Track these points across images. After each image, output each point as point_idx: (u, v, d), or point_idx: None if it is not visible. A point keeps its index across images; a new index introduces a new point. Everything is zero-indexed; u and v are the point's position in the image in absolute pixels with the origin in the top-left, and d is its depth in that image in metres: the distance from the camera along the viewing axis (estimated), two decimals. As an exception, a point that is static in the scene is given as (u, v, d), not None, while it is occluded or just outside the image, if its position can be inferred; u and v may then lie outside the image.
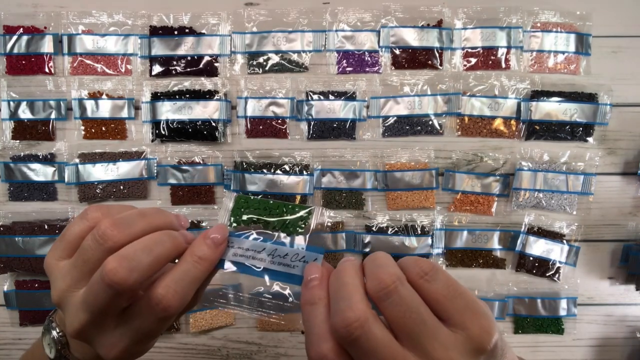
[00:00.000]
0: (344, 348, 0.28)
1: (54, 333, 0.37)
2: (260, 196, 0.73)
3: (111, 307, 0.31)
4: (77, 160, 0.74)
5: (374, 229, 0.75)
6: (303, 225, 0.36)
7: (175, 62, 0.74)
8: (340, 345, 0.28)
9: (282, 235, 0.36)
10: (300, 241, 0.36)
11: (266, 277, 0.35)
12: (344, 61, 0.74)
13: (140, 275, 0.30)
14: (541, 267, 0.74)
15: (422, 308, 0.28)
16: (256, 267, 0.35)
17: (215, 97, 0.73)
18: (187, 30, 0.74)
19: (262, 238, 0.36)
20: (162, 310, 0.31)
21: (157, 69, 0.74)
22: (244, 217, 0.37)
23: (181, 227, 0.36)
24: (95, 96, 0.74)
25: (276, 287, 0.37)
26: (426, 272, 0.29)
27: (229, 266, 0.35)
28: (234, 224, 0.37)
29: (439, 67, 0.74)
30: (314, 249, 0.35)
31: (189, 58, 0.74)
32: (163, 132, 0.73)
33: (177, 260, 0.34)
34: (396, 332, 0.28)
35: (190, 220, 0.74)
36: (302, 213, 0.37)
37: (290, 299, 0.37)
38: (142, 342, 0.34)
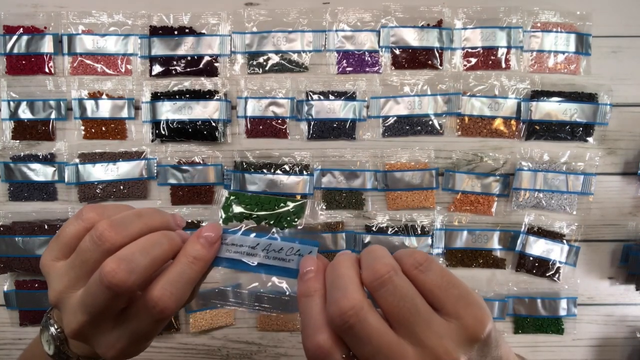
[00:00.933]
0: (340, 338, 0.28)
1: (52, 329, 0.37)
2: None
3: (109, 309, 0.31)
4: (77, 160, 0.74)
5: (374, 229, 0.75)
6: (296, 219, 0.36)
7: (175, 62, 0.74)
8: (336, 335, 0.28)
9: (276, 229, 0.36)
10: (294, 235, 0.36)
11: (262, 273, 0.35)
12: (344, 61, 0.74)
13: (139, 276, 0.30)
14: (541, 267, 0.74)
15: (416, 297, 0.28)
16: (251, 263, 0.35)
17: (215, 97, 0.73)
18: (187, 30, 0.74)
19: (255, 233, 0.36)
20: (159, 313, 0.31)
21: (157, 69, 0.74)
22: (236, 213, 0.37)
23: (177, 227, 0.36)
24: (95, 96, 0.74)
25: (272, 282, 0.37)
26: (420, 262, 0.30)
27: (223, 263, 0.35)
28: (226, 220, 0.37)
29: (439, 67, 0.74)
30: (309, 242, 0.35)
31: (189, 58, 0.74)
32: (163, 132, 0.73)
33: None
34: (391, 321, 0.28)
35: (190, 220, 0.74)
36: (294, 206, 0.37)
37: (287, 293, 0.37)
38: (139, 342, 0.34)
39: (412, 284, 0.29)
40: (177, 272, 0.32)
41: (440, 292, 0.29)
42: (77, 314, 0.32)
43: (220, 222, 0.37)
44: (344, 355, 0.28)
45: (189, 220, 0.74)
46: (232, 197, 0.38)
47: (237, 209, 0.37)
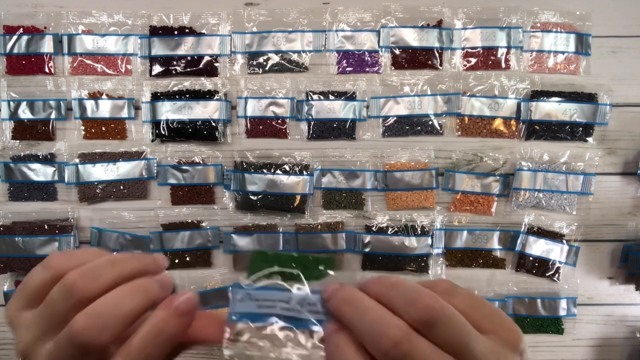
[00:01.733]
0: None
1: None
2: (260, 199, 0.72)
3: None
4: (77, 160, 0.74)
5: (374, 229, 0.75)
6: (318, 277, 0.35)
7: (175, 62, 0.74)
8: None
9: (297, 286, 0.34)
10: (311, 287, 0.34)
11: (275, 321, 0.33)
12: (344, 61, 0.74)
13: (112, 333, 0.28)
14: (541, 267, 0.74)
15: (467, 323, 0.28)
16: (266, 315, 0.33)
17: (215, 97, 0.73)
18: (187, 30, 0.74)
19: (272, 289, 0.34)
20: None
21: (157, 69, 0.74)
22: (262, 273, 0.35)
23: (159, 270, 0.34)
24: (95, 96, 0.74)
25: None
26: (448, 288, 0.30)
27: (237, 319, 0.33)
28: (254, 280, 0.36)
29: (439, 67, 0.74)
30: (316, 291, 0.33)
31: (189, 58, 0.74)
32: (163, 132, 0.73)
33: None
34: (446, 350, 0.27)
35: (190, 220, 0.74)
36: (322, 269, 0.35)
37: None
38: None
39: None
40: (140, 343, 0.30)
41: (474, 311, 0.29)
42: None
43: (248, 281, 0.36)
44: None
45: (189, 220, 0.74)
46: (258, 256, 0.36)
47: (264, 268, 0.35)
